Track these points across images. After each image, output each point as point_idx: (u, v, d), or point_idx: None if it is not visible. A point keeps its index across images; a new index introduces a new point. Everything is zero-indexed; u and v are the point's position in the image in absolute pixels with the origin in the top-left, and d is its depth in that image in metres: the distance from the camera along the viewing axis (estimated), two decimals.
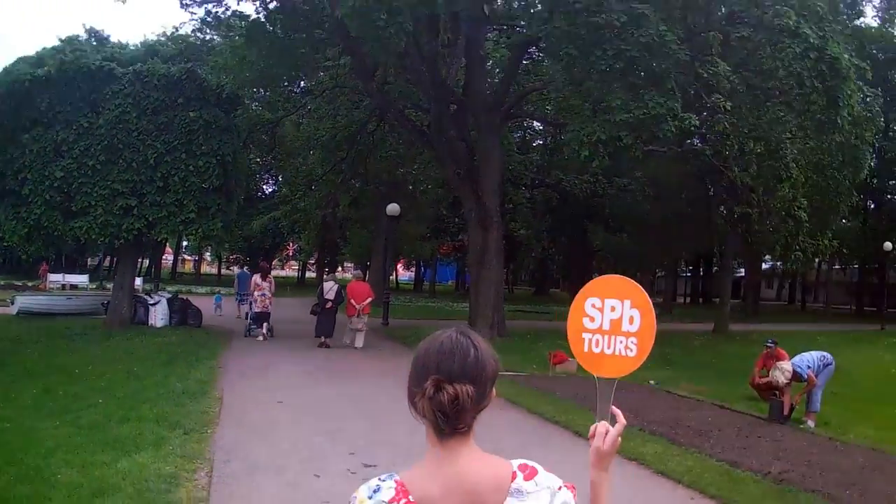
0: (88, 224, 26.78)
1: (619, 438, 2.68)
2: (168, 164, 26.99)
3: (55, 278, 59.45)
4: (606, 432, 2.69)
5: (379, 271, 49.70)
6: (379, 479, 2.29)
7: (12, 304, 32.30)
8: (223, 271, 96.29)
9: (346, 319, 26.05)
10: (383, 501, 2.21)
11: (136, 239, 28.04)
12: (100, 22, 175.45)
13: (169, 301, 30.26)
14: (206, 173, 27.32)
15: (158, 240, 28.62)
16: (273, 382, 18.07)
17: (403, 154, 43.57)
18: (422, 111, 34.54)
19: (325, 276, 30.53)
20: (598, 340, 3.12)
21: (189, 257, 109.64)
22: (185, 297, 32.15)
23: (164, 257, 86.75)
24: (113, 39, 59.41)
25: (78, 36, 51.21)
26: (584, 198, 53.07)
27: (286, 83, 37.94)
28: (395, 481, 2.25)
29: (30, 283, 57.23)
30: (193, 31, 51.84)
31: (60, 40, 40.23)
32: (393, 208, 35.99)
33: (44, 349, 22.39)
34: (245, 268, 50.59)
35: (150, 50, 28.75)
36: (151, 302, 29.92)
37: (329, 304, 25.47)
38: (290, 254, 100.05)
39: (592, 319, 3.13)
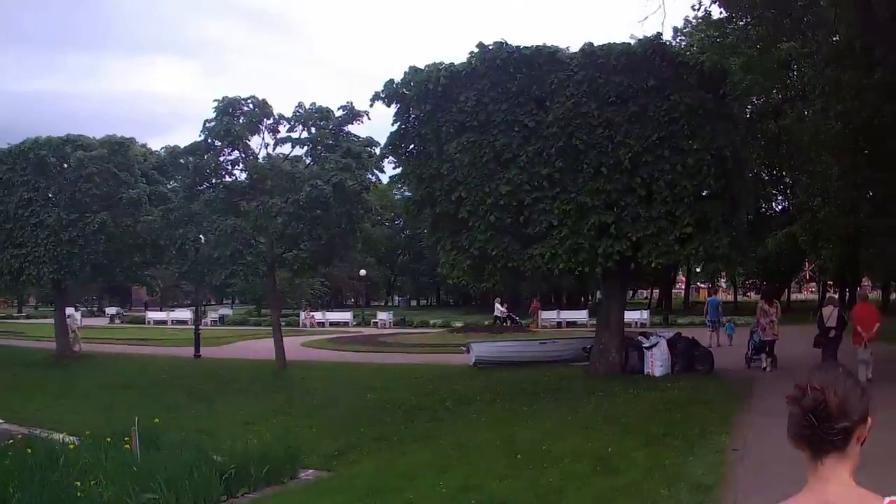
0: (552, 250, 22.96)
1: None
2: (649, 166, 22.62)
3: (548, 316, 58.69)
4: None
5: None
6: None
7: (468, 352, 29.55)
8: (739, 298, 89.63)
9: (852, 350, 21.28)
10: None
11: (618, 266, 23.74)
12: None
13: (670, 342, 25.79)
14: (699, 174, 22.54)
15: (650, 264, 23.83)
16: None
17: None
18: None
19: (825, 302, 25.86)
20: None
21: (703, 284, 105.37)
22: (690, 337, 27.30)
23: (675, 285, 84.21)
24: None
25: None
26: None
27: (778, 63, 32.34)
28: None
29: (522, 322, 56.28)
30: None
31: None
32: None
33: (492, 413, 19.62)
34: (717, 294, 47.62)
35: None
36: (647, 344, 25.58)
37: (832, 333, 22.28)
38: (808, 276, 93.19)
39: None
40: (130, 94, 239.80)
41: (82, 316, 50.02)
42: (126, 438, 16.28)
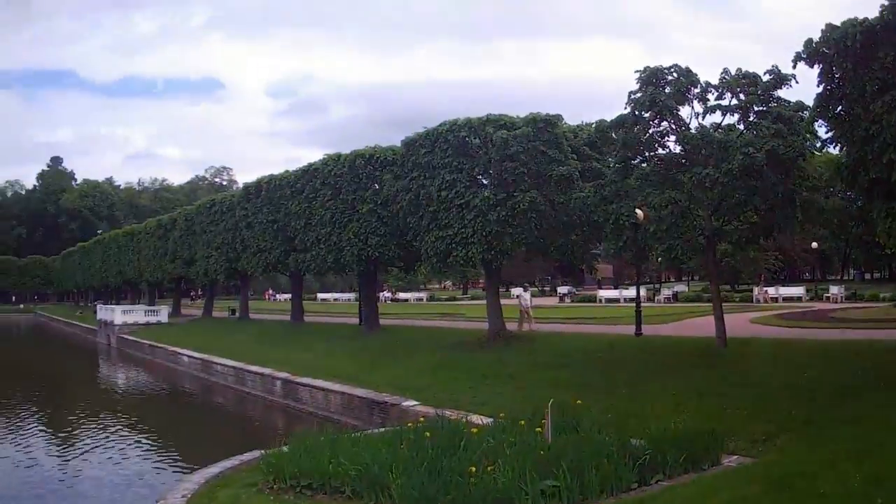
0: None
1: None
2: None
3: None
4: None
5: None
6: None
7: None
8: None
9: None
10: None
11: None
12: None
13: None
14: None
15: None
16: None
17: None
18: None
19: None
20: None
21: None
22: None
23: None
24: None
25: None
26: None
27: None
28: None
29: None
30: None
31: None
32: None
33: None
34: None
35: None
36: None
37: None
38: None
39: None
40: (568, 76, 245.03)
41: (532, 296, 50.67)
42: (543, 421, 15.92)
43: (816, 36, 22.18)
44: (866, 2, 21.48)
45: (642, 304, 37.83)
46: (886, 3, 20.64)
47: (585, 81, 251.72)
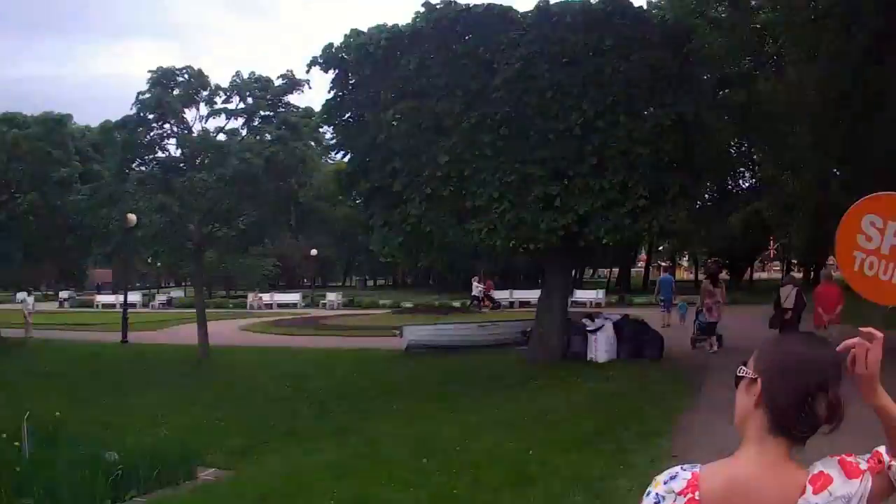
0: (490, 225, 21.36)
1: (880, 353, 2.40)
2: (602, 133, 20.88)
3: (501, 295, 58.40)
4: (867, 353, 2.40)
5: None
6: (681, 467, 2.35)
7: (401, 335, 28.83)
8: (700, 277, 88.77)
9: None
10: (672, 491, 2.29)
11: (564, 243, 22.08)
12: None
13: (616, 325, 24.35)
14: (657, 141, 20.96)
15: (600, 241, 22.02)
16: None
17: None
18: None
19: (782, 280, 27.30)
20: (872, 263, 3.57)
21: (663, 263, 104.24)
22: (639, 319, 26.05)
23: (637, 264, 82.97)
24: None
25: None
26: None
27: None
28: (692, 473, 2.31)
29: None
30: None
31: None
32: None
33: (414, 405, 18.65)
34: (668, 273, 46.78)
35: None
36: (591, 328, 24.13)
37: (789, 315, 21.41)
38: (772, 254, 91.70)
39: (869, 239, 3.57)
40: (111, 78, 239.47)
41: (35, 301, 48.44)
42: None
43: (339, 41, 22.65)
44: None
45: (137, 310, 37.31)
46: (423, 9, 21.38)
47: (129, 82, 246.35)
